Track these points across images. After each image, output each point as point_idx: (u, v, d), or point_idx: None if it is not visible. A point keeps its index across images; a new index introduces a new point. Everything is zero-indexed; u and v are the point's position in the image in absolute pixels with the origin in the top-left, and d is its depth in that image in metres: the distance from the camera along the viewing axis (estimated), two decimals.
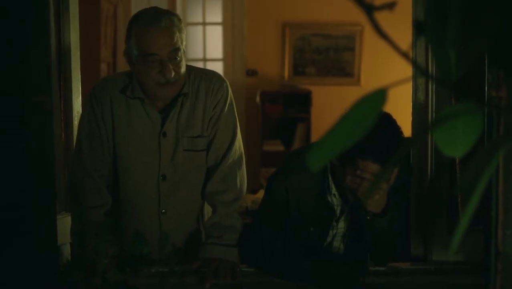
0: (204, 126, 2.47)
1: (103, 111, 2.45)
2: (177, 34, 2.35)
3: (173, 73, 2.34)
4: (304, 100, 6.73)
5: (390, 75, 6.62)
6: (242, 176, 2.51)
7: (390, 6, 0.84)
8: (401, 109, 3.31)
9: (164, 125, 2.45)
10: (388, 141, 2.10)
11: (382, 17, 0.84)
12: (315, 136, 6.65)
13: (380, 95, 0.85)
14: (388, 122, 2.17)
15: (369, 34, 6.82)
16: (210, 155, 2.49)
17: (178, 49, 2.34)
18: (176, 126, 2.46)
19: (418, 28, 0.94)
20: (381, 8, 0.83)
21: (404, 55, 0.87)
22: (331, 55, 6.98)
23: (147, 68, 2.33)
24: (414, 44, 2.29)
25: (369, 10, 0.83)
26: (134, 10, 6.81)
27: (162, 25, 2.32)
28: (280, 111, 6.81)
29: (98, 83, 2.55)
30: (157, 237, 2.41)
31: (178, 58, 2.35)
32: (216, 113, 2.47)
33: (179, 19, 2.40)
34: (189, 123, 2.46)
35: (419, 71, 2.24)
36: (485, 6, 0.85)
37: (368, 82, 6.88)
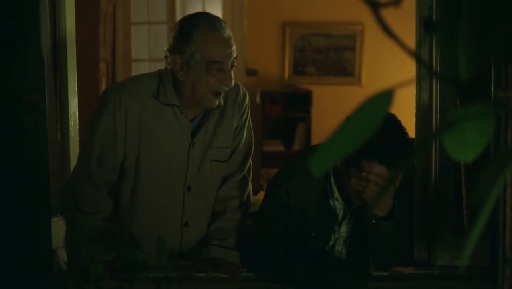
0: (231, 137, 2.48)
1: (127, 119, 2.32)
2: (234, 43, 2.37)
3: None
4: (304, 100, 6.70)
5: (391, 75, 6.59)
6: (250, 185, 2.57)
7: (396, 3, 0.82)
8: (403, 109, 3.26)
9: (196, 135, 2.41)
10: (394, 143, 2.06)
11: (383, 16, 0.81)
12: (315, 136, 6.62)
13: (386, 96, 0.82)
14: (394, 123, 2.12)
15: (370, 34, 6.79)
16: (231, 163, 2.50)
17: (236, 58, 2.35)
18: (204, 136, 2.43)
19: (427, 26, 0.91)
20: (387, 4, 0.81)
21: (411, 53, 0.84)
22: (331, 55, 6.93)
23: (208, 75, 2.29)
24: (418, 43, 2.25)
25: (375, 7, 0.80)
26: (133, 9, 6.77)
27: (227, 33, 2.32)
28: (280, 111, 6.77)
29: (125, 87, 2.38)
30: (178, 248, 2.44)
31: (234, 68, 2.35)
32: (240, 124, 2.50)
33: None
34: (217, 134, 2.44)
35: (426, 70, 2.20)
36: (497, 4, 0.82)
37: (369, 82, 6.84)
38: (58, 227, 2.39)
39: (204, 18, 2.35)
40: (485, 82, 2.14)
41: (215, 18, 2.37)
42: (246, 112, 2.51)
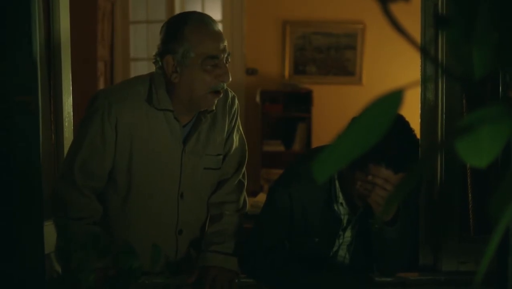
0: (222, 143, 2.41)
1: (118, 127, 2.23)
2: None
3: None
4: (304, 100, 6.65)
5: (392, 74, 6.54)
6: (244, 191, 2.50)
7: None
8: (407, 110, 3.20)
9: (188, 141, 2.33)
10: (402, 146, 1.99)
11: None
12: (315, 136, 6.57)
13: (395, 97, 0.78)
14: (402, 125, 2.06)
15: (371, 33, 6.74)
16: (224, 168, 2.43)
17: (230, 55, 2.26)
18: (197, 143, 2.35)
19: (439, 22, 0.86)
20: None
21: (421, 49, 0.79)
22: (332, 54, 6.88)
23: (204, 72, 2.20)
24: (424, 40, 2.19)
25: (384, 2, 0.76)
26: (132, 7, 6.72)
27: (218, 28, 2.26)
28: (281, 110, 6.72)
29: (115, 93, 2.29)
30: (174, 256, 2.38)
31: (228, 64, 2.26)
32: (230, 129, 2.43)
33: None
34: (210, 141, 2.37)
35: (433, 68, 2.14)
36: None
37: (370, 81, 6.78)
38: (51, 231, 2.32)
39: (192, 15, 2.29)
40: (492, 81, 2.08)
41: (204, 14, 2.32)
42: (235, 116, 2.43)
